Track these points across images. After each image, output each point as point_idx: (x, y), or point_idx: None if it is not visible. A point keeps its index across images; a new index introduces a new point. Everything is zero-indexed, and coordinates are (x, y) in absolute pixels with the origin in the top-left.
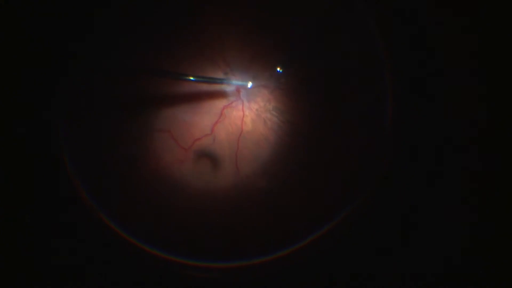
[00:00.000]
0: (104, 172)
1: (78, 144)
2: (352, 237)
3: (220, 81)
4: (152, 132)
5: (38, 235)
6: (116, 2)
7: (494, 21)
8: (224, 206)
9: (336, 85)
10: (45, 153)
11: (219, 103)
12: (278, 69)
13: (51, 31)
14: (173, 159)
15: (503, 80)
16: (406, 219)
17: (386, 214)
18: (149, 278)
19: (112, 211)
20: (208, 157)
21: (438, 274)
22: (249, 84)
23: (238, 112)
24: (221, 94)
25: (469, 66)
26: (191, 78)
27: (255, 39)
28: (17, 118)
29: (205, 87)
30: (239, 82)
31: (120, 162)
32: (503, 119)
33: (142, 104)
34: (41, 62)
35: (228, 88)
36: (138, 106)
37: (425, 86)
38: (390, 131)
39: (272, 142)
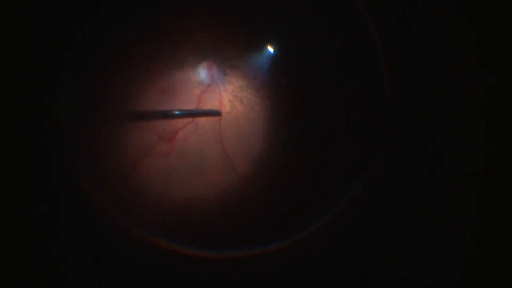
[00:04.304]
0: (99, 171)
1: (75, 143)
2: (352, 236)
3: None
4: (133, 130)
5: (38, 234)
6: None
7: (494, 21)
8: (216, 190)
9: (311, 59)
10: (45, 153)
11: (195, 90)
12: (270, 48)
13: (51, 31)
14: (158, 153)
15: (504, 78)
16: (405, 218)
17: (385, 212)
18: (150, 277)
19: (111, 211)
20: (194, 143)
21: (438, 274)
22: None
23: (215, 95)
24: (196, 81)
25: (469, 65)
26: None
27: (224, 19)
28: (17, 118)
29: (178, 75)
30: (210, 111)
31: (112, 162)
32: (503, 118)
33: (124, 102)
34: (41, 62)
35: (202, 73)
36: (120, 104)
37: (424, 84)
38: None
39: (252, 118)
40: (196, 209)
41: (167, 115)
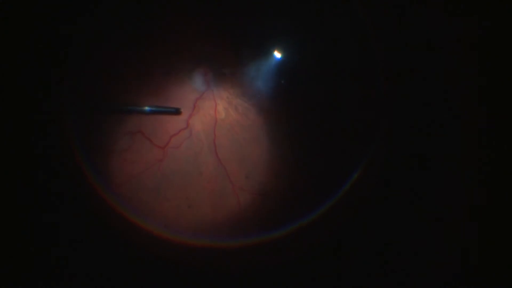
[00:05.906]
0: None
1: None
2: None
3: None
4: (123, 136)
5: (38, 233)
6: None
7: (493, 21)
8: (210, 197)
9: (307, 65)
10: (46, 154)
11: (191, 96)
12: (276, 53)
13: (51, 30)
14: (151, 159)
15: (503, 77)
16: (404, 217)
17: (383, 212)
18: (150, 278)
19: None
20: (187, 150)
21: (438, 274)
22: (179, 111)
23: (210, 102)
24: (191, 87)
25: (468, 64)
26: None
27: (220, 26)
28: (18, 118)
29: (173, 81)
30: (170, 109)
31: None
32: (503, 117)
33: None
34: (41, 62)
35: (197, 79)
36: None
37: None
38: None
39: (246, 126)
40: (188, 216)
41: (128, 110)
